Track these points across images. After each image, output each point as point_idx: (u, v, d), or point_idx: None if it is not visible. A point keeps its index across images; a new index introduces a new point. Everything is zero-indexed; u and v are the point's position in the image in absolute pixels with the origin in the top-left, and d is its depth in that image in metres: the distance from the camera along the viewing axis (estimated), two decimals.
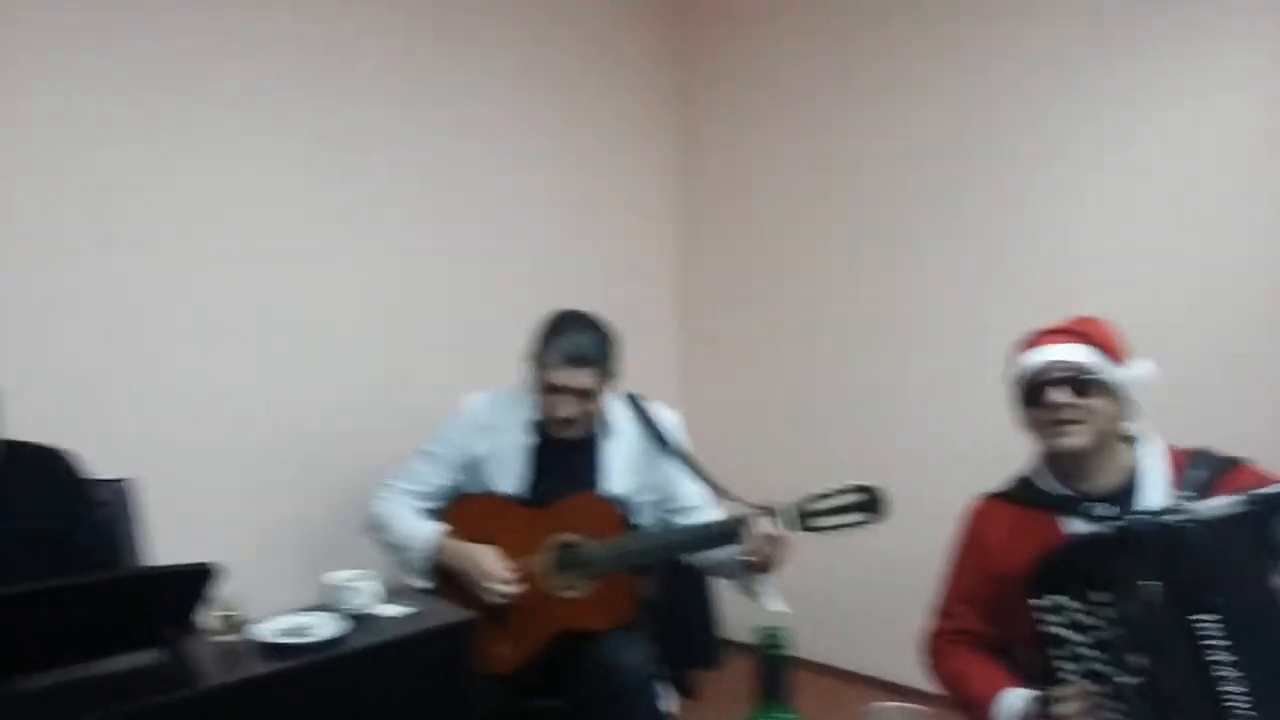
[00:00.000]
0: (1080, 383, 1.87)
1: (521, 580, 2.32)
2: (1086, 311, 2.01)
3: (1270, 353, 2.73)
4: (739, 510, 2.29)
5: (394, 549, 2.44)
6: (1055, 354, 1.90)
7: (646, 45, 3.77)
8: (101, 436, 2.16)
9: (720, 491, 2.45)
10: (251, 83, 2.73)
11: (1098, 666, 1.72)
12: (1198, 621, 1.64)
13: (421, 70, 3.12)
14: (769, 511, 2.24)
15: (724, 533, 2.27)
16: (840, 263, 3.52)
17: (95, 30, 2.45)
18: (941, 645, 2.02)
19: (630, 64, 3.72)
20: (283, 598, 2.11)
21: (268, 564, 2.64)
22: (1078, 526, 1.86)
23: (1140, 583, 1.68)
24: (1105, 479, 1.89)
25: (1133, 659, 1.68)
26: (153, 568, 1.76)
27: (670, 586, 2.49)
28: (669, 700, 2.36)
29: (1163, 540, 1.70)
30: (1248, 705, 1.61)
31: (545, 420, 2.44)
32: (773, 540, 2.22)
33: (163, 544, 2.23)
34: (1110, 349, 1.91)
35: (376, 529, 2.47)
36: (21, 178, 2.37)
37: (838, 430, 3.52)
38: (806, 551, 2.32)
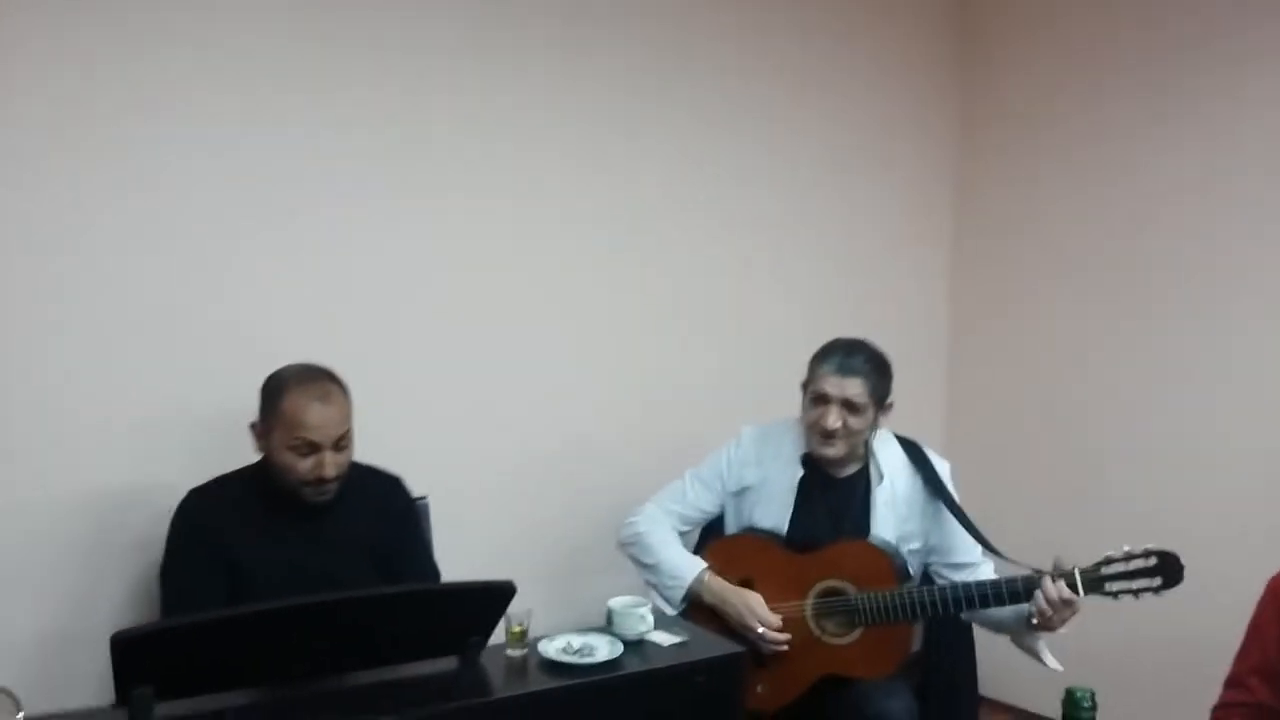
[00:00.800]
0: None
1: (785, 626, 2.35)
2: None
3: None
4: (1027, 569, 2.23)
5: (650, 570, 2.49)
6: None
7: (930, 85, 3.75)
8: (400, 456, 2.37)
9: (990, 547, 2.38)
10: (521, 90, 2.89)
11: None
12: None
13: (713, 84, 3.23)
14: (1063, 574, 2.17)
15: (1016, 591, 2.21)
16: (1124, 307, 3.36)
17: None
18: (1229, 715, 1.88)
19: (914, 103, 3.71)
20: (558, 617, 2.26)
21: (541, 582, 2.80)
22: None
23: None
24: None
25: None
26: (461, 582, 1.93)
27: (935, 640, 2.45)
28: None
29: None
30: None
31: (812, 445, 2.45)
32: (1063, 603, 2.15)
33: (445, 560, 2.41)
34: None
35: (636, 546, 2.52)
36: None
37: (1117, 488, 3.33)
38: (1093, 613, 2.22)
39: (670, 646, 2.00)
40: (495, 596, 1.80)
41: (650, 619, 2.03)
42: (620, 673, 1.87)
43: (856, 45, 3.53)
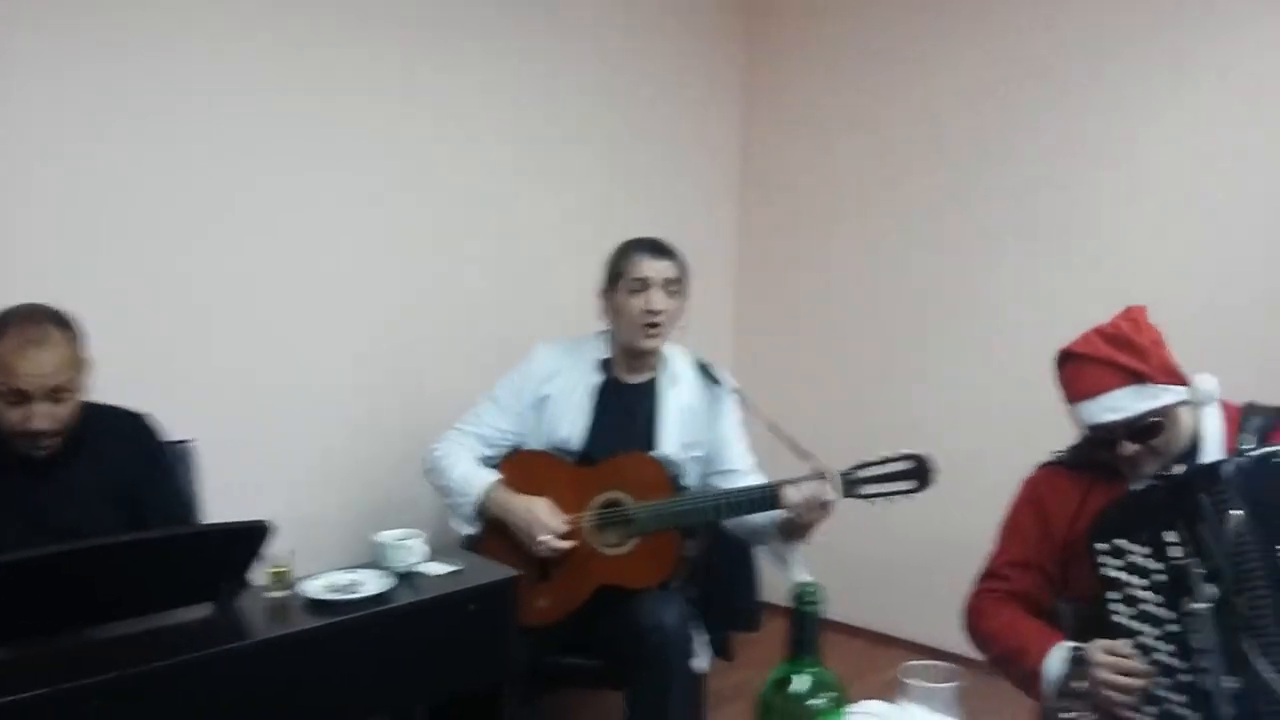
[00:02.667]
0: (1140, 428, 1.87)
1: (567, 535, 2.41)
2: (1139, 294, 1.99)
3: None
4: (786, 475, 2.34)
5: (447, 493, 2.51)
6: (1108, 413, 1.87)
7: (713, 22, 3.81)
8: (164, 399, 2.26)
9: (787, 441, 2.46)
10: (338, 57, 2.81)
11: (1151, 609, 1.79)
12: None
13: (498, 40, 3.19)
14: (820, 475, 2.28)
15: (767, 496, 2.33)
16: (897, 236, 3.57)
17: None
18: (990, 602, 2.06)
19: (700, 21, 3.76)
20: (338, 556, 2.23)
21: (324, 523, 2.78)
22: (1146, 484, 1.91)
23: (1229, 512, 1.72)
24: (1172, 447, 1.92)
25: (1210, 588, 1.73)
26: (209, 525, 1.87)
27: (713, 549, 2.57)
28: (705, 661, 2.45)
29: (1250, 473, 1.74)
30: None
31: (635, 339, 2.49)
32: (818, 504, 2.27)
33: (222, 504, 2.33)
34: (1161, 375, 1.87)
35: (433, 471, 2.54)
36: (99, 158, 2.45)
37: (886, 402, 3.60)
38: (843, 515, 2.37)
39: (441, 576, 2.02)
40: (248, 538, 1.76)
41: (420, 550, 2.04)
42: (387, 606, 1.88)
43: None
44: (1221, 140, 2.91)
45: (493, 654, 2.04)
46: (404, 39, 2.95)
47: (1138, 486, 1.91)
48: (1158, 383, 1.86)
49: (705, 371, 2.59)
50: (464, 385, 2.82)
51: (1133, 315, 1.92)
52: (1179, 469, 1.88)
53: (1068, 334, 3.09)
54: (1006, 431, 3.24)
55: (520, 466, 2.52)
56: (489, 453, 2.56)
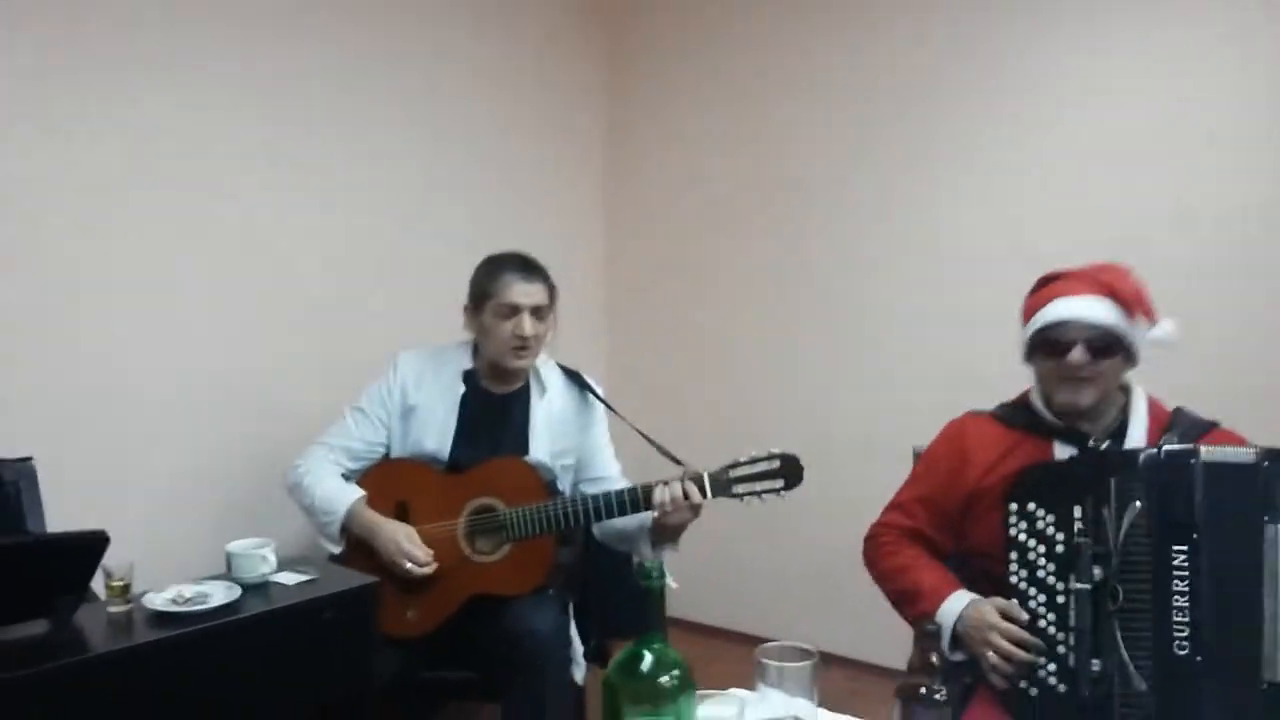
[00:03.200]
0: (1098, 343, 1.92)
1: (436, 545, 2.36)
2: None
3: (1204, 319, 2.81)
4: (656, 478, 2.33)
5: (311, 512, 2.45)
6: (1079, 310, 1.92)
7: (578, 23, 3.83)
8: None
9: (655, 445, 2.47)
10: (168, 42, 2.69)
11: (1045, 577, 1.85)
12: (1174, 550, 1.74)
13: (358, 39, 3.13)
14: (690, 476, 2.28)
15: (636, 498, 2.32)
16: (766, 236, 3.62)
17: None
18: (892, 537, 2.10)
19: (562, 42, 3.78)
20: (193, 569, 2.14)
21: (178, 537, 2.67)
22: (1070, 454, 1.97)
23: (1134, 502, 1.78)
24: (1097, 423, 1.98)
25: (1096, 570, 1.79)
26: (43, 535, 1.78)
27: (588, 555, 2.54)
28: (582, 669, 2.42)
29: (1160, 468, 1.78)
30: (1182, 646, 1.73)
31: (504, 359, 2.45)
32: (687, 503, 2.27)
33: (69, 520, 2.20)
34: (1134, 308, 1.94)
35: (297, 489, 2.47)
36: None
37: (759, 404, 3.65)
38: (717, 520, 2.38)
39: (296, 585, 1.96)
40: (85, 550, 1.68)
41: (273, 560, 1.97)
42: (235, 617, 1.82)
43: None
44: (1071, 145, 3.03)
45: (354, 665, 1.98)
46: (245, 35, 2.85)
47: (1061, 455, 1.96)
48: (1130, 311, 1.92)
49: (574, 380, 2.58)
50: (322, 396, 2.76)
51: (1124, 266, 1.99)
52: (1104, 445, 1.94)
53: (940, 335, 3.20)
54: (878, 426, 3.31)
55: (388, 477, 2.47)
56: (355, 466, 2.50)
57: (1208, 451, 1.78)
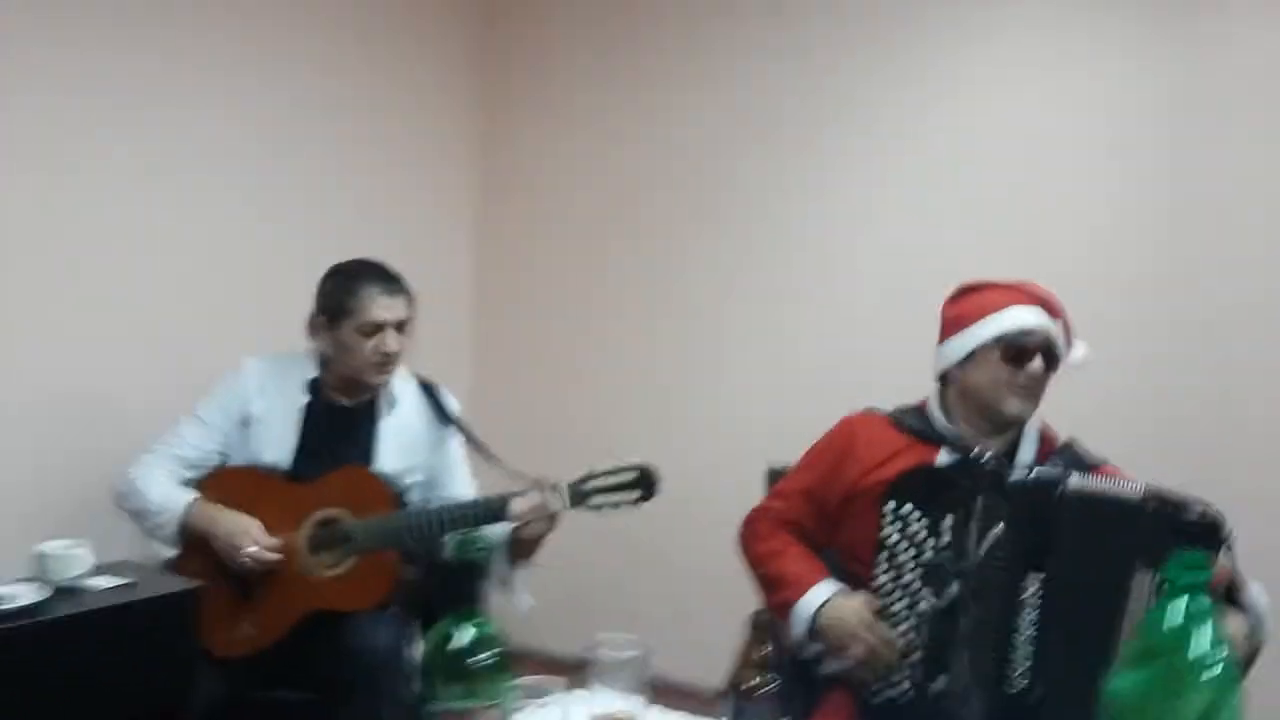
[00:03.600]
0: (1052, 359, 1.95)
1: (277, 553, 2.26)
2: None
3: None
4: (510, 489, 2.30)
5: (143, 515, 2.32)
6: (1041, 320, 1.95)
7: (449, 33, 3.81)
8: None
9: (503, 467, 2.42)
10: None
11: (910, 580, 1.84)
12: (1028, 580, 1.74)
13: (211, 38, 3.06)
14: (545, 486, 2.25)
15: (491, 509, 2.27)
16: (635, 251, 3.65)
17: None
18: (768, 524, 2.09)
19: (432, 52, 3.74)
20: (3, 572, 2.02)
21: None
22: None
23: (997, 523, 1.78)
24: (993, 441, 1.99)
25: (951, 587, 1.79)
26: None
27: (436, 569, 2.48)
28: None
29: (1031, 493, 1.79)
30: (1024, 677, 1.73)
31: (366, 375, 2.38)
32: (545, 514, 2.23)
33: None
34: (1069, 330, 1.99)
35: (126, 494, 2.34)
36: None
37: (629, 424, 3.61)
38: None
39: (111, 589, 1.86)
40: None
41: (88, 560, 1.87)
42: (38, 619, 1.71)
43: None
44: (951, 156, 3.12)
45: (171, 674, 1.87)
46: (89, 34, 2.76)
47: (943, 461, 1.96)
48: (1064, 330, 1.97)
49: (428, 393, 2.52)
50: (160, 403, 2.62)
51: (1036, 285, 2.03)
52: (985, 456, 1.92)
53: (796, 357, 3.24)
54: (737, 442, 3.32)
55: (225, 485, 2.36)
56: (190, 474, 2.38)
57: (1078, 482, 1.78)
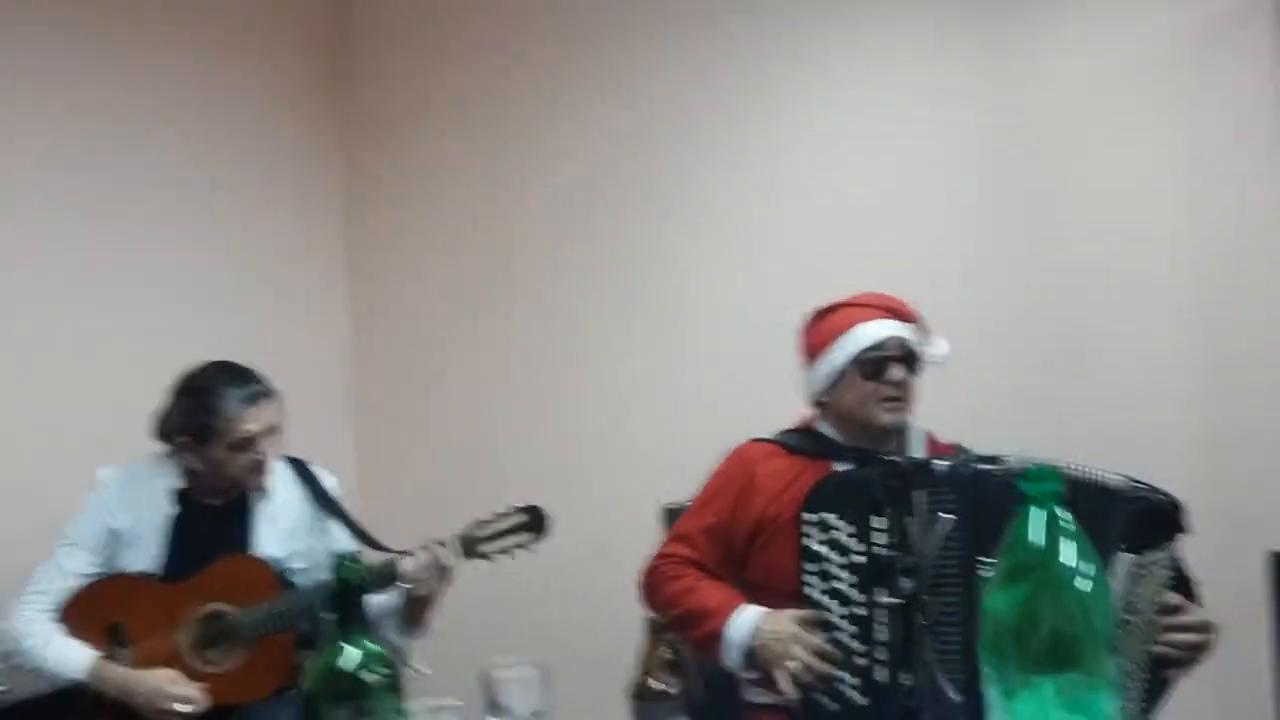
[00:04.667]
0: (912, 361, 2.02)
1: (162, 665, 2.18)
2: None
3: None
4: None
5: (39, 674, 2.20)
6: (891, 329, 2.02)
7: (302, 103, 3.78)
8: None
9: (385, 549, 2.37)
10: None
11: (843, 588, 1.83)
12: (983, 564, 1.72)
13: (57, 113, 2.98)
14: (433, 544, 2.23)
15: (382, 574, 2.22)
16: (504, 315, 3.67)
17: None
18: (672, 565, 2.07)
19: (285, 126, 3.71)
20: None
21: None
22: None
23: (940, 514, 1.78)
24: (882, 447, 2.04)
25: (905, 583, 1.77)
26: None
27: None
28: None
29: (966, 480, 1.81)
30: None
31: (247, 482, 2.33)
32: (436, 569, 2.20)
33: None
34: (923, 327, 2.07)
35: (19, 655, 2.22)
36: None
37: (520, 477, 3.55)
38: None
39: None
40: None
41: None
42: None
43: (231, 63, 3.48)
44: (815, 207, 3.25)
45: None
46: None
47: (853, 469, 1.99)
48: (921, 331, 2.05)
49: (302, 473, 2.46)
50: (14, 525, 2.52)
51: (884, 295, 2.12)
52: (896, 457, 1.97)
53: (683, 394, 3.25)
54: (632, 485, 3.28)
55: (95, 599, 2.26)
56: None
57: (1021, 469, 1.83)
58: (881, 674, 1.79)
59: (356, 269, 3.91)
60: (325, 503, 2.44)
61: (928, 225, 3.08)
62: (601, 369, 3.53)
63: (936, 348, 2.10)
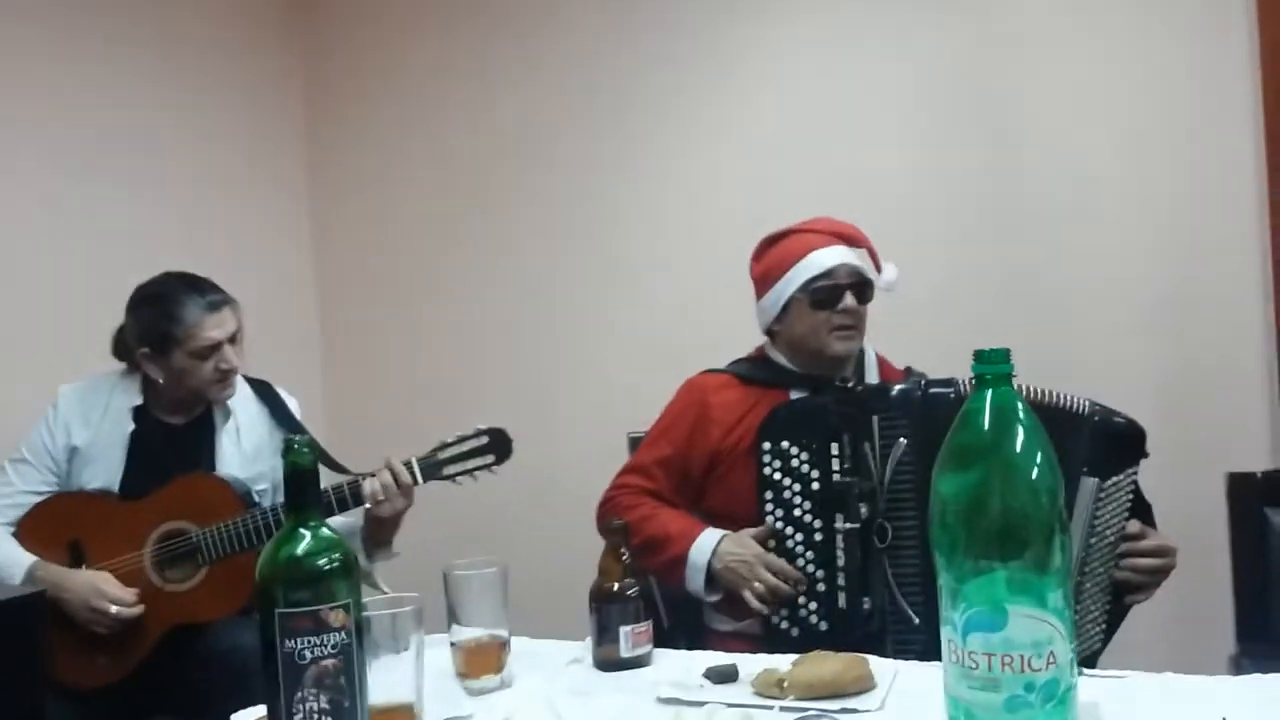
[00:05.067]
0: (861, 290, 2.00)
1: (123, 579, 2.19)
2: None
3: None
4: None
5: None
6: (841, 257, 2.00)
7: (268, 27, 3.75)
8: None
9: (347, 472, 2.35)
10: None
11: (803, 515, 1.86)
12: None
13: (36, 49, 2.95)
14: (394, 465, 2.20)
15: (347, 494, 2.22)
16: (469, 243, 3.64)
17: None
18: (628, 495, 2.08)
19: (251, 55, 3.67)
20: None
21: None
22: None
23: (897, 440, 1.80)
24: (838, 374, 2.04)
25: (862, 508, 1.81)
26: None
27: None
28: None
29: (918, 403, 1.83)
30: None
31: (211, 394, 2.33)
32: (397, 488, 2.18)
33: None
34: (875, 255, 2.05)
35: None
36: None
37: (485, 404, 3.51)
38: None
39: None
40: None
41: None
42: None
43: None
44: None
45: (19, 685, 1.76)
46: None
47: (808, 395, 2.00)
48: (869, 253, 2.03)
49: (264, 395, 2.46)
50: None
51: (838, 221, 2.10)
52: (854, 384, 1.98)
53: (648, 325, 3.24)
54: (598, 413, 3.34)
55: (55, 515, 2.27)
56: None
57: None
58: (841, 599, 1.82)
59: (319, 191, 3.86)
60: (288, 424, 2.43)
61: (889, 153, 3.06)
62: (570, 295, 3.50)
63: (886, 274, 2.09)
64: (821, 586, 1.84)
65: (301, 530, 1.16)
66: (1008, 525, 1.11)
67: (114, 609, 2.14)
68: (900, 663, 1.46)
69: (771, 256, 2.10)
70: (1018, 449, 1.12)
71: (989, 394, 1.13)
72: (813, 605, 1.85)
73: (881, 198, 2.93)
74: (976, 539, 1.12)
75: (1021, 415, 1.13)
